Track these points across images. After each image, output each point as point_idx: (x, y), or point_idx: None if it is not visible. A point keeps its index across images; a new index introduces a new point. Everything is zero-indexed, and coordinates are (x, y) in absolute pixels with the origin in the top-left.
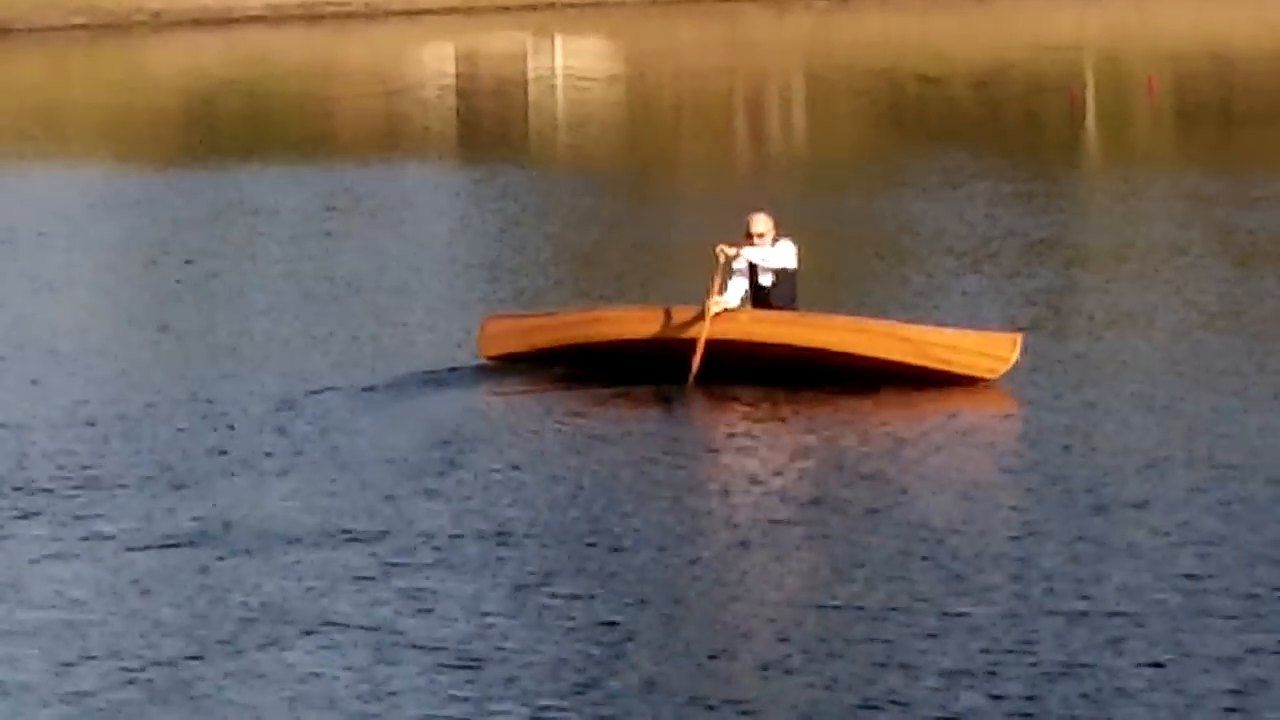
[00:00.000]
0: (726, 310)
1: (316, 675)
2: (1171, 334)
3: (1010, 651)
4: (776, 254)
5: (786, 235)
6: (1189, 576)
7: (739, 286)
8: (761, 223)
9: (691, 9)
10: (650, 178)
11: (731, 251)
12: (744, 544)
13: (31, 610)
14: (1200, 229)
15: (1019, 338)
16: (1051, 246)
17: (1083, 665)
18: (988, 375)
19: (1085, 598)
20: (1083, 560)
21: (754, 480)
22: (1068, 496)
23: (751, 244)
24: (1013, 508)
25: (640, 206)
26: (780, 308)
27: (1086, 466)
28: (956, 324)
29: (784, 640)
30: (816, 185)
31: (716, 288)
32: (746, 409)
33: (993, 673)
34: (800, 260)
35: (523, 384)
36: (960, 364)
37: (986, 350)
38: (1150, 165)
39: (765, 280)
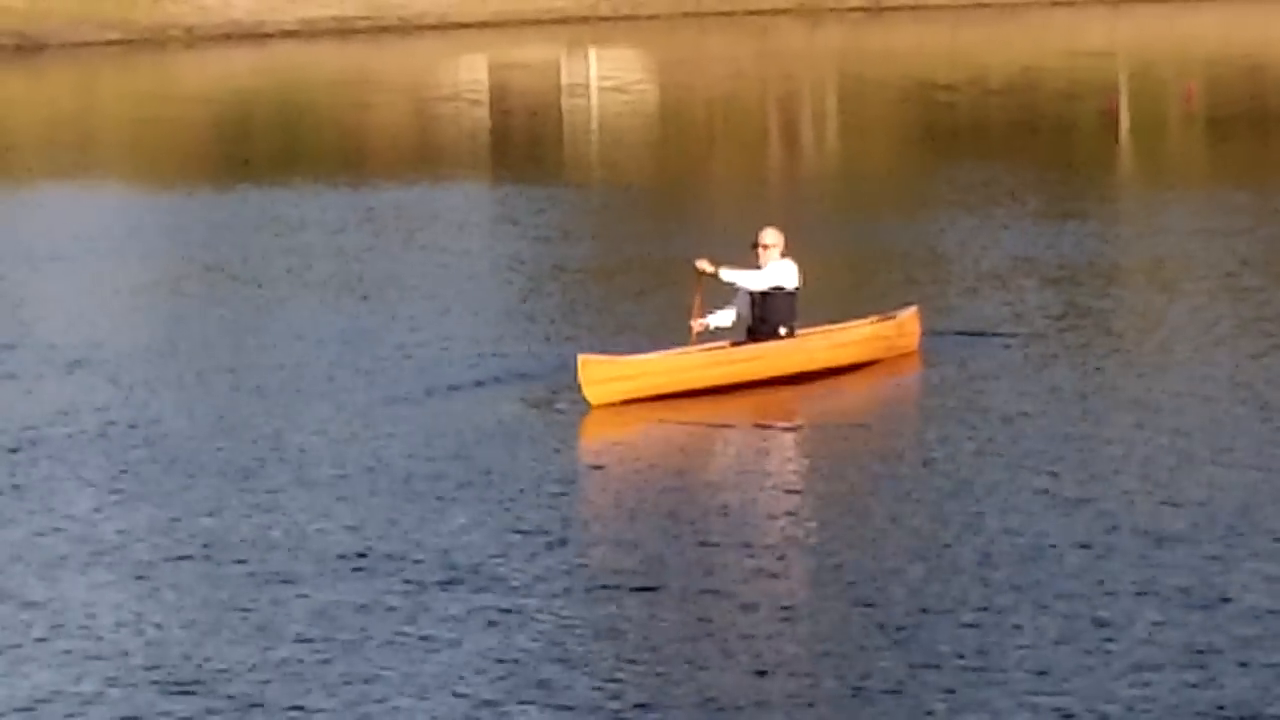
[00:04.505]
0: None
1: (351, 683)
2: (1211, 352)
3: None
4: (759, 277)
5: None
6: (1231, 614)
7: (738, 305)
8: (769, 236)
9: (724, 21)
10: (684, 191)
11: (709, 268)
12: (782, 556)
13: (54, 620)
14: (1245, 244)
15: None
16: (1090, 262)
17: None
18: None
19: (1105, 607)
20: (1108, 579)
21: (781, 493)
22: (1095, 513)
23: (757, 254)
24: (1039, 521)
25: (674, 220)
26: (775, 323)
27: (1115, 489)
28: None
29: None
30: (850, 199)
31: (697, 307)
32: (781, 421)
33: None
34: (801, 280)
35: (549, 397)
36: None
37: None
38: (1190, 177)
39: (758, 295)
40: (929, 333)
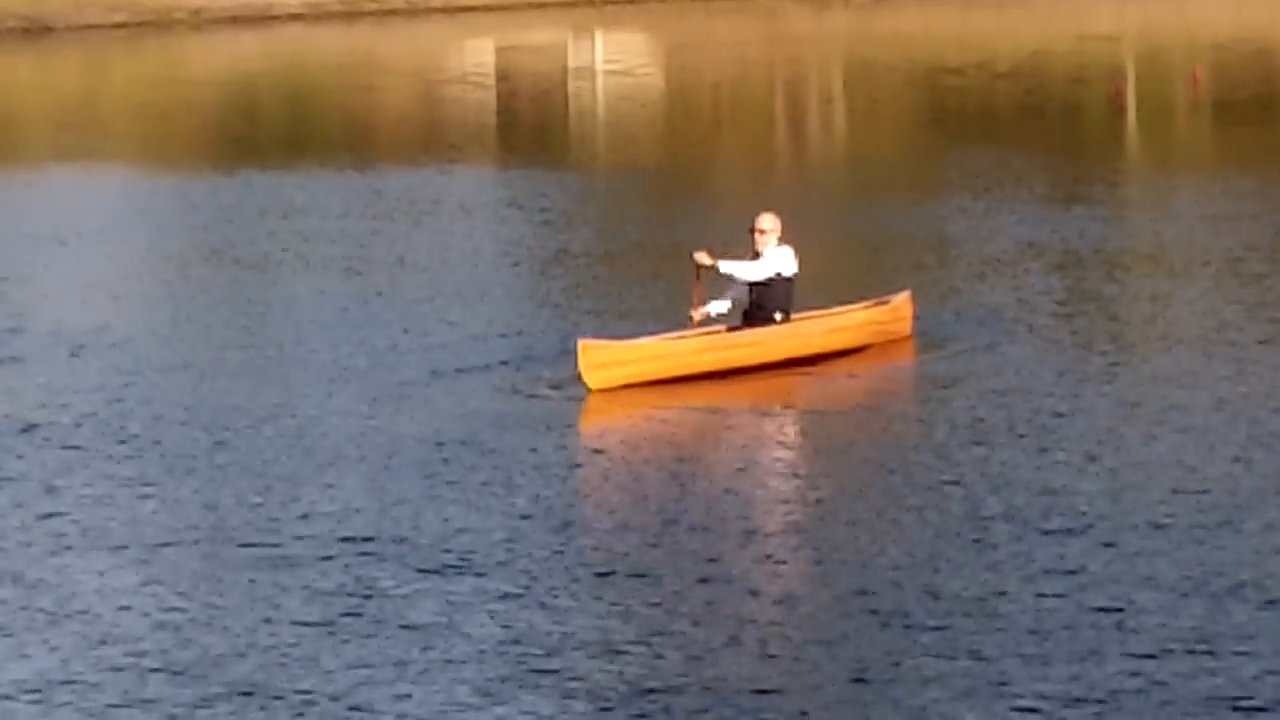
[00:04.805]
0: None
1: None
2: (1217, 337)
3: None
4: (757, 268)
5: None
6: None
7: (735, 292)
8: (766, 221)
9: (730, 5)
10: (690, 175)
11: (707, 261)
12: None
13: (56, 604)
14: (1251, 230)
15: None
16: (1096, 247)
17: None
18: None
19: (1115, 595)
20: (1125, 576)
21: (785, 478)
22: (1096, 500)
23: (754, 239)
24: (1059, 517)
25: (679, 205)
26: (772, 309)
27: (1118, 476)
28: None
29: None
30: (857, 184)
31: (696, 298)
32: (780, 406)
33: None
34: (799, 266)
35: (551, 381)
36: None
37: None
38: (1196, 162)
39: (759, 282)
40: (933, 316)
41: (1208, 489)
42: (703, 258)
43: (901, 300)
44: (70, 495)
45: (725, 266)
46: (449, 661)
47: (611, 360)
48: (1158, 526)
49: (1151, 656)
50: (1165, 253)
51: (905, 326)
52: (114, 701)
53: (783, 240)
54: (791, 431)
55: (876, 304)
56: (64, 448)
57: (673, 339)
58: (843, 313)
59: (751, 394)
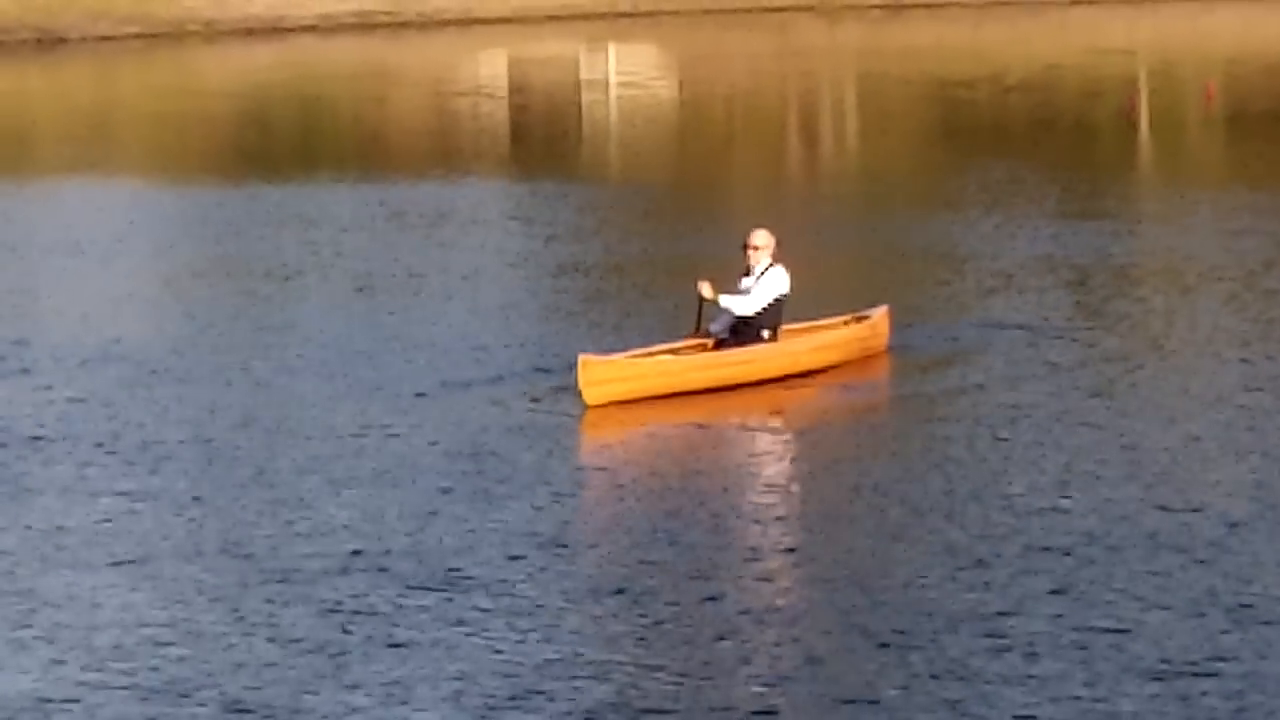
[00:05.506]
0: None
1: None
2: (1229, 353)
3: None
4: (754, 300)
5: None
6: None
7: (727, 313)
8: (760, 238)
9: (744, 18)
10: (702, 188)
11: (709, 294)
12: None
13: (57, 622)
14: (1265, 245)
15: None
16: (1107, 261)
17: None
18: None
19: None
20: (1134, 594)
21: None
22: (1098, 518)
23: (746, 255)
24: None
25: (691, 218)
26: (759, 326)
27: (1121, 492)
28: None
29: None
30: (869, 197)
31: (696, 323)
32: (776, 422)
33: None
34: (791, 285)
35: (551, 396)
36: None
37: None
38: (1209, 176)
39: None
40: (939, 331)
41: (1209, 507)
42: (705, 290)
43: (880, 315)
44: (76, 508)
45: (724, 300)
46: (446, 680)
47: (610, 377)
48: (1158, 545)
49: (1155, 678)
50: (1177, 267)
51: (883, 342)
52: (113, 718)
53: (777, 256)
54: (784, 448)
55: (857, 319)
56: (70, 460)
57: (668, 356)
58: (828, 328)
59: (744, 409)
